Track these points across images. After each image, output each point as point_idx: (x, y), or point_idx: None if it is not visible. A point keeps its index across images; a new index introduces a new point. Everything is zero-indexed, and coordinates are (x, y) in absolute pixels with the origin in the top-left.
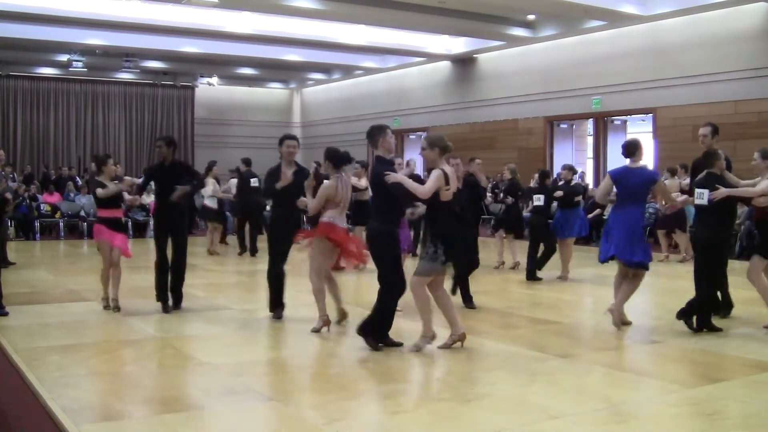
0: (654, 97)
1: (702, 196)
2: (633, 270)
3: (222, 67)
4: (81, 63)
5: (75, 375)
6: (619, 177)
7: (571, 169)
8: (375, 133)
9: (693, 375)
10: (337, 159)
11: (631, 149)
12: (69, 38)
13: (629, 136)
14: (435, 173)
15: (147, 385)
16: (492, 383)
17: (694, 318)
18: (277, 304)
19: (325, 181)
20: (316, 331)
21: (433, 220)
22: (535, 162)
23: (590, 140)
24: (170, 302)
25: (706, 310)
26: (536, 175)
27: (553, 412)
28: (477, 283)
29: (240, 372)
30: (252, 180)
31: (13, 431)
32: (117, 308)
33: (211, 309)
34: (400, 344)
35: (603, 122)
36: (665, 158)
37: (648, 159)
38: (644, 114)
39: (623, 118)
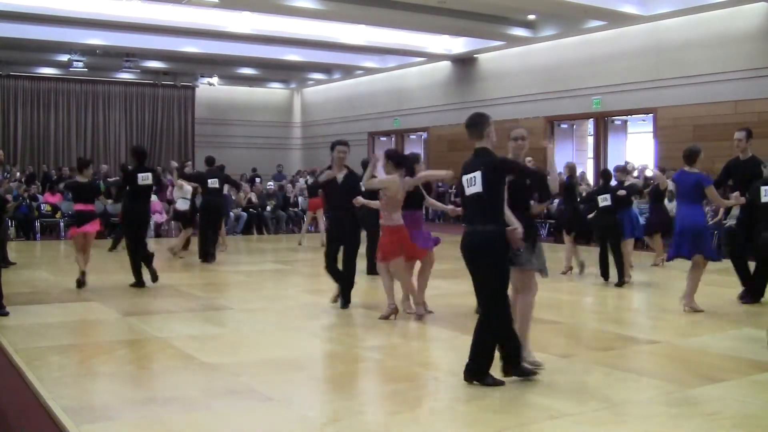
0: (654, 97)
1: None
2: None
3: (222, 67)
4: (81, 63)
5: (75, 375)
6: (676, 179)
7: (624, 171)
8: (479, 122)
9: (693, 375)
10: (398, 159)
11: (693, 156)
12: (69, 38)
13: (630, 137)
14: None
15: (147, 385)
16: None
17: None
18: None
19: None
20: (384, 317)
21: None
22: (535, 162)
23: (591, 140)
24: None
25: None
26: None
27: (553, 412)
28: None
29: (240, 372)
30: (210, 180)
31: (13, 431)
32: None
33: (211, 309)
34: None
35: (603, 122)
36: (666, 158)
37: (648, 159)
38: (645, 114)
39: (624, 118)
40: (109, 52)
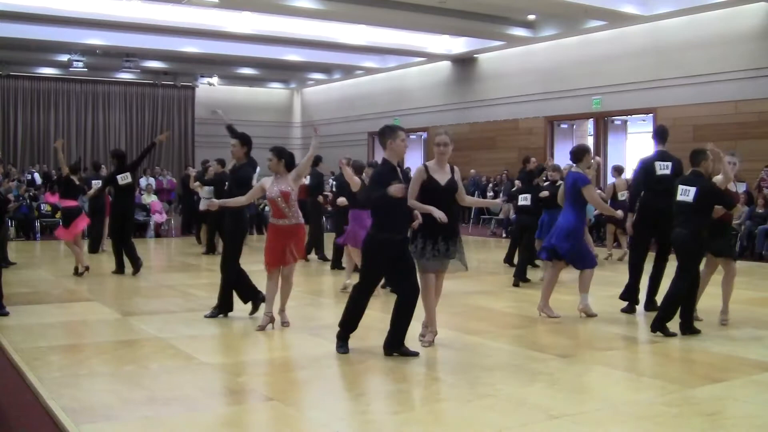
0: (654, 97)
1: (687, 193)
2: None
3: (222, 67)
4: (81, 63)
5: (75, 375)
6: (564, 180)
7: (557, 170)
8: (385, 134)
9: (693, 375)
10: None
11: (579, 155)
12: (69, 38)
13: (630, 137)
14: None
15: (147, 385)
16: (492, 383)
17: (670, 324)
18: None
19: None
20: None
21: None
22: (537, 163)
23: (591, 140)
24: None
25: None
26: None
27: (553, 412)
28: (478, 282)
29: (240, 372)
30: (227, 183)
31: (13, 431)
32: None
33: (211, 309)
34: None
35: (603, 122)
36: None
37: None
38: (645, 114)
39: (624, 118)
40: (109, 52)
